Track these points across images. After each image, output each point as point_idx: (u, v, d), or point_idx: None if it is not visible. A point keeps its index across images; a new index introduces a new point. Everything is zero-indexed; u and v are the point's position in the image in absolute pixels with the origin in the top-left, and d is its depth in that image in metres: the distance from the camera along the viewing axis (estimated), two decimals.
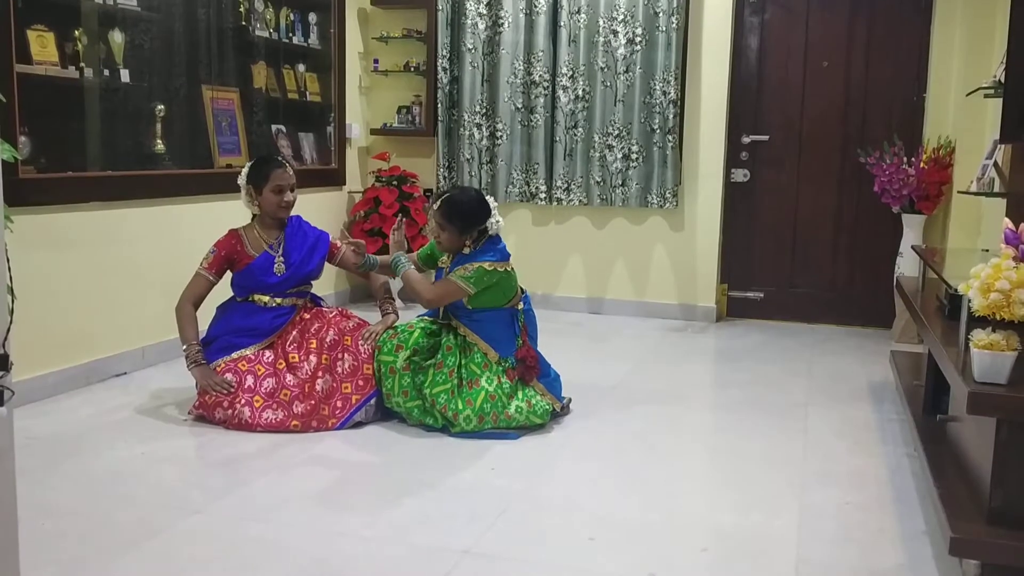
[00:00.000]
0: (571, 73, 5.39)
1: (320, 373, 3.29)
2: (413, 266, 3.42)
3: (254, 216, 3.50)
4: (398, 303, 3.89)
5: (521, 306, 3.42)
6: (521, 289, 3.45)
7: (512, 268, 3.38)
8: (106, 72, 3.78)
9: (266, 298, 3.43)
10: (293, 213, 3.55)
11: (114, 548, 2.28)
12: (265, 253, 3.44)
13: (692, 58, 5.29)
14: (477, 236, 3.34)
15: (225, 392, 3.22)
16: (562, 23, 5.37)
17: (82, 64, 3.65)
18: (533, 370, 3.37)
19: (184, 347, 3.35)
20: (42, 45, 3.44)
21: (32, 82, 3.38)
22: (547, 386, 3.39)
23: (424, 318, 3.44)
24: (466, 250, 3.33)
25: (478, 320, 3.33)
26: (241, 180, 3.47)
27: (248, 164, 3.51)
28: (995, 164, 4.20)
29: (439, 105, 5.61)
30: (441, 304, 3.36)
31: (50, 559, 2.20)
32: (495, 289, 3.31)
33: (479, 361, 3.27)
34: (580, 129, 5.43)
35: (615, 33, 5.28)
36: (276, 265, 3.43)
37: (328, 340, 3.36)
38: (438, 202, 3.29)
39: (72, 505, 2.54)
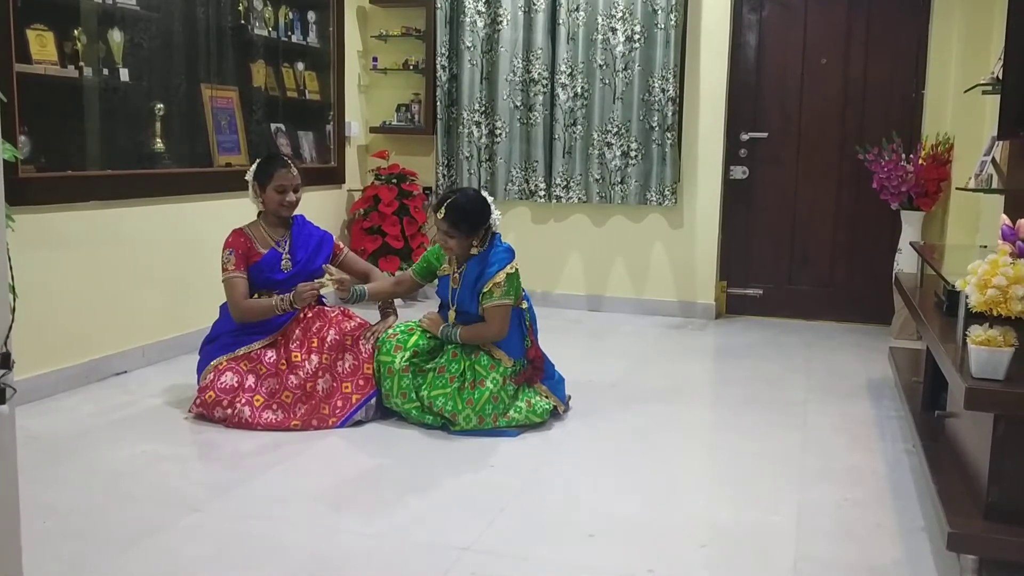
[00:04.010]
0: (570, 71, 5.39)
1: (321, 373, 3.30)
2: (460, 327, 3.28)
3: (260, 214, 3.51)
4: (398, 302, 3.90)
5: (524, 304, 3.42)
6: None
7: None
8: (105, 71, 3.78)
9: (271, 295, 3.44)
10: (297, 212, 3.56)
11: (115, 546, 2.29)
12: (273, 250, 3.45)
13: (691, 55, 5.30)
14: (483, 234, 3.31)
15: (317, 288, 3.33)
16: (561, 21, 5.37)
17: (81, 63, 3.65)
18: (539, 372, 3.37)
19: (275, 305, 3.33)
20: (41, 44, 3.44)
21: (32, 81, 3.38)
22: (551, 388, 3.39)
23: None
24: (474, 251, 3.29)
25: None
26: (248, 177, 3.49)
27: (257, 161, 3.53)
28: (993, 160, 4.21)
29: (438, 103, 5.61)
30: (507, 329, 3.27)
31: (51, 557, 2.21)
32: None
33: (485, 363, 3.25)
34: (579, 127, 5.43)
35: (614, 31, 5.29)
36: (283, 262, 3.44)
37: (329, 340, 3.36)
38: (442, 210, 3.23)
39: (73, 503, 2.55)
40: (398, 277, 3.60)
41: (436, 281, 3.46)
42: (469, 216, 3.23)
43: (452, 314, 3.34)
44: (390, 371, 3.26)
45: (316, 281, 3.37)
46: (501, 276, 3.25)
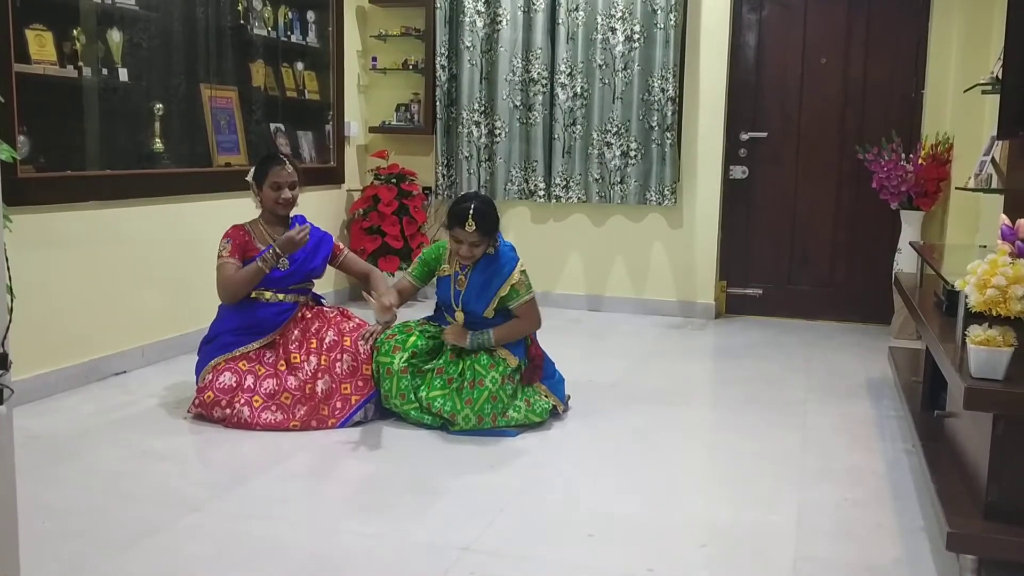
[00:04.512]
0: (569, 71, 5.39)
1: (320, 374, 3.29)
2: (492, 331, 3.28)
3: (261, 213, 3.52)
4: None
5: None
6: None
7: None
8: (104, 71, 3.78)
9: (268, 294, 3.44)
10: (297, 213, 3.56)
11: (114, 546, 2.29)
12: (270, 247, 3.45)
13: (690, 55, 5.30)
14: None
15: (305, 231, 3.35)
16: (560, 20, 5.37)
17: (80, 63, 3.64)
18: (539, 370, 3.37)
19: (261, 265, 3.33)
20: (40, 44, 3.44)
21: (31, 81, 3.38)
22: (551, 387, 3.39)
23: (423, 322, 3.43)
24: (490, 251, 3.28)
25: (495, 324, 3.30)
26: (248, 177, 3.49)
27: (257, 161, 3.54)
28: (992, 160, 4.21)
29: (437, 103, 5.61)
30: (540, 319, 3.37)
31: (51, 557, 2.21)
32: None
33: (485, 362, 3.24)
34: (578, 127, 5.43)
35: (613, 30, 5.29)
36: (280, 260, 3.44)
37: (328, 340, 3.36)
38: (470, 222, 3.13)
39: (72, 503, 2.55)
40: (398, 286, 3.44)
41: (434, 282, 3.45)
42: (492, 218, 3.22)
43: (460, 315, 3.31)
44: (389, 372, 3.26)
45: (302, 227, 3.37)
46: (517, 275, 3.27)
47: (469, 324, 3.31)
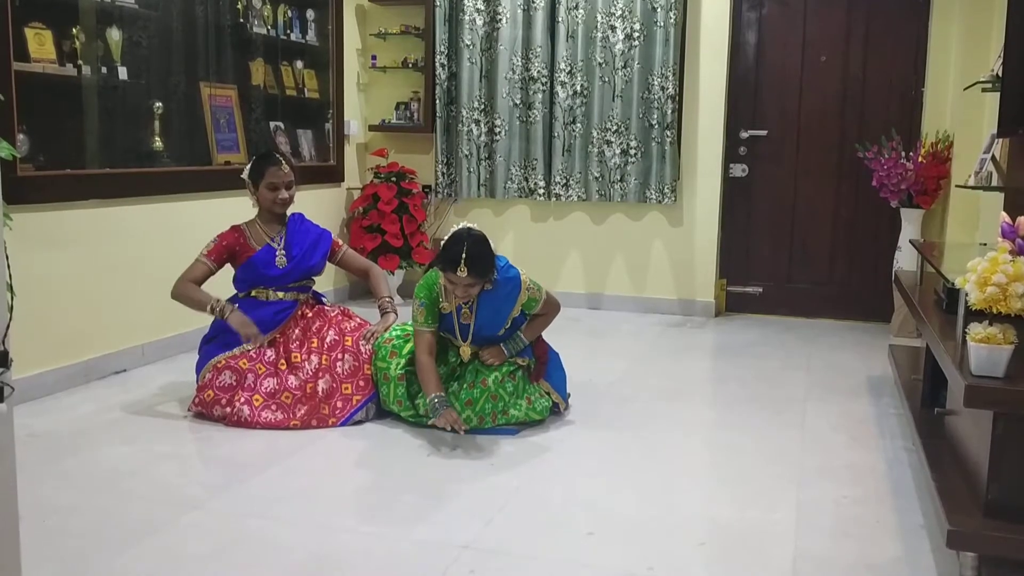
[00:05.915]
0: (569, 69, 5.39)
1: (321, 373, 3.29)
2: (520, 333, 3.28)
3: (259, 212, 3.52)
4: (398, 300, 3.89)
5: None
6: None
7: None
8: (104, 70, 3.78)
9: (268, 292, 3.44)
10: (295, 210, 3.56)
11: (114, 544, 2.29)
12: (267, 246, 3.45)
13: (690, 53, 5.29)
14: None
15: (260, 345, 3.30)
16: (560, 19, 5.36)
17: (80, 62, 3.64)
18: (544, 367, 3.36)
19: (207, 309, 3.31)
20: (40, 43, 3.44)
21: (30, 80, 3.38)
22: (552, 384, 3.38)
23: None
24: (488, 286, 3.14)
25: (505, 337, 3.28)
26: (244, 175, 3.49)
27: (252, 159, 3.53)
28: (993, 158, 4.21)
29: (437, 101, 5.61)
30: (558, 302, 3.35)
31: (51, 556, 2.21)
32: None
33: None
34: (578, 125, 5.43)
35: (613, 28, 5.28)
36: (278, 258, 3.44)
37: (329, 339, 3.36)
38: (463, 268, 2.95)
39: (72, 502, 2.55)
40: (427, 347, 3.16)
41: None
42: (488, 258, 3.06)
43: (467, 349, 3.25)
44: (386, 377, 3.25)
45: (265, 338, 3.36)
46: (525, 293, 3.21)
47: (477, 343, 3.27)
